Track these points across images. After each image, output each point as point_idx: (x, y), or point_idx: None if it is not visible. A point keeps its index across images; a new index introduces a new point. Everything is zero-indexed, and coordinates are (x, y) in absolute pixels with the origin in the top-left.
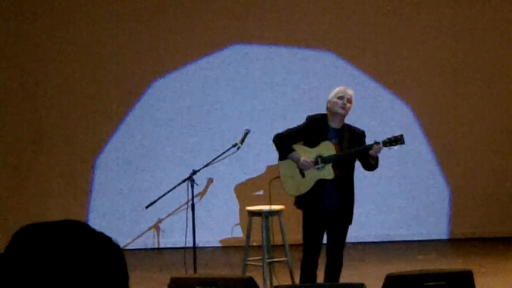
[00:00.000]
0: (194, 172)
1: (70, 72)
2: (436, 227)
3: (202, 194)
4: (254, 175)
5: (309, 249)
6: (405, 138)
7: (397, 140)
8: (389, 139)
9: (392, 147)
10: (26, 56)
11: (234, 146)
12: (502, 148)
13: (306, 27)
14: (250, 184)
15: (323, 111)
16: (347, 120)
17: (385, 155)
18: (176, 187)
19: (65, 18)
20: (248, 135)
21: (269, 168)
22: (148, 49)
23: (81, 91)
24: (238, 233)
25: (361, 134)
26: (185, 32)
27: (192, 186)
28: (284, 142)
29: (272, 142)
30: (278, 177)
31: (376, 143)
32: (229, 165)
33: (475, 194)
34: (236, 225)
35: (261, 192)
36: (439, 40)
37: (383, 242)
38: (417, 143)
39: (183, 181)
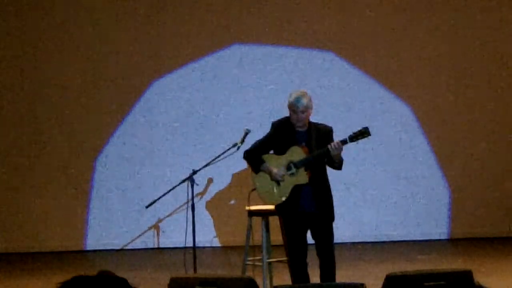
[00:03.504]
0: (194, 172)
1: (70, 72)
2: (436, 227)
3: (202, 194)
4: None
5: (294, 252)
6: (403, 137)
7: (363, 133)
8: (354, 133)
9: (359, 140)
10: (26, 56)
11: (234, 146)
12: (502, 148)
13: (306, 27)
14: (251, 184)
15: (323, 111)
16: (339, 117)
17: (385, 155)
18: (176, 187)
19: (65, 18)
20: (248, 135)
21: None
22: (148, 49)
23: (81, 91)
24: (238, 233)
25: (329, 131)
26: (185, 32)
27: (192, 186)
28: (254, 157)
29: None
30: (255, 189)
31: (343, 140)
32: (229, 165)
33: (475, 194)
34: (236, 225)
35: (233, 201)
36: (439, 40)
37: (383, 242)
38: (417, 143)
39: (183, 181)
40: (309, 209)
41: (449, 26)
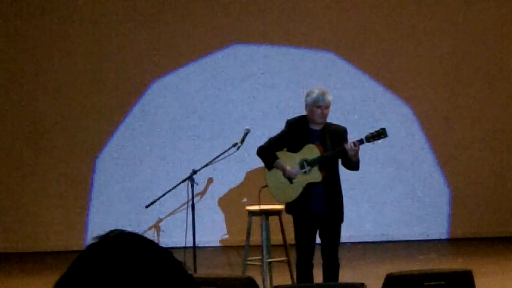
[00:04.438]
0: (194, 172)
1: (70, 72)
2: (436, 227)
3: (202, 194)
4: (254, 174)
5: (302, 252)
6: (403, 137)
7: (380, 134)
8: (371, 133)
9: (376, 141)
10: (26, 56)
11: (234, 146)
12: (502, 148)
13: (306, 27)
14: (251, 184)
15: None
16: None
17: (386, 155)
18: (176, 187)
19: (65, 18)
20: (248, 135)
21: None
22: (148, 49)
23: (81, 91)
24: (238, 233)
25: (343, 132)
26: (185, 32)
27: (192, 186)
28: (267, 153)
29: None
30: (266, 186)
31: (359, 140)
32: (229, 165)
33: (475, 194)
34: (236, 225)
35: (245, 200)
36: (439, 40)
37: (383, 242)
38: (417, 143)
39: (183, 181)
40: (319, 208)
41: (449, 26)
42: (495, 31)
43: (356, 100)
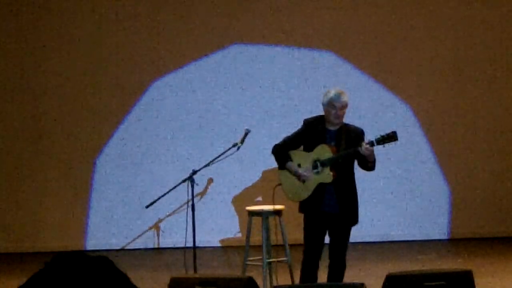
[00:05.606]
0: (194, 172)
1: (70, 71)
2: (436, 227)
3: (202, 194)
4: (254, 174)
5: (309, 251)
6: (403, 137)
7: (390, 138)
8: (382, 136)
9: (386, 144)
10: (26, 56)
11: (234, 146)
12: (502, 148)
13: (306, 27)
14: (251, 184)
15: (323, 111)
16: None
17: (385, 155)
18: (176, 187)
19: (65, 18)
20: (248, 135)
21: (269, 168)
22: (148, 49)
23: (81, 90)
24: (238, 233)
25: (360, 134)
26: (185, 32)
27: (192, 186)
28: (281, 152)
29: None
30: (280, 184)
31: (370, 142)
32: (229, 165)
33: (475, 194)
34: (236, 225)
35: (259, 198)
36: (439, 40)
37: (383, 242)
38: (417, 143)
39: (183, 181)
40: (331, 210)
41: (449, 26)
42: (495, 31)
43: (356, 100)
